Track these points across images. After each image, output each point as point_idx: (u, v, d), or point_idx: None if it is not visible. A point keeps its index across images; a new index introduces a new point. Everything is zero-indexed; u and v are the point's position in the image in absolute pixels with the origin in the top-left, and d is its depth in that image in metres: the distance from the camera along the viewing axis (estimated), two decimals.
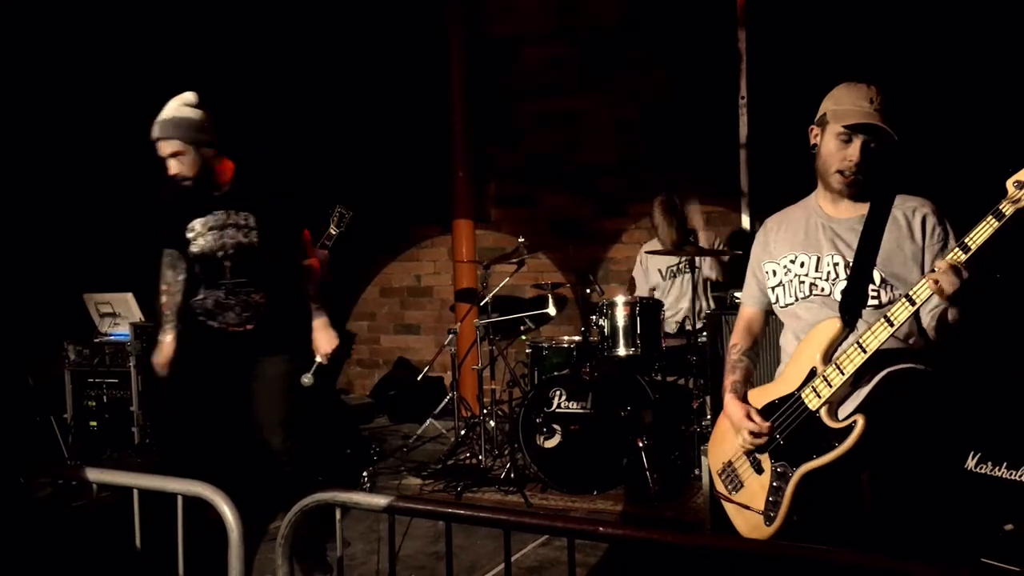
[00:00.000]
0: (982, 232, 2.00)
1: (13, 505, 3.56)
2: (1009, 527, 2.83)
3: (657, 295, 5.11)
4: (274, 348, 3.29)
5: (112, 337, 4.92)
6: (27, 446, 4.71)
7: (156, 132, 3.15)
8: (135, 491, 2.06)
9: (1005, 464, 2.90)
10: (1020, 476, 2.88)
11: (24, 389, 4.90)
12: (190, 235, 3.22)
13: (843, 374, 2.15)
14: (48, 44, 5.18)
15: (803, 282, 2.32)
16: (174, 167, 3.14)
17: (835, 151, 2.26)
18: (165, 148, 3.14)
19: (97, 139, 5.35)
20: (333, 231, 4.31)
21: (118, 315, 4.95)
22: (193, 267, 3.27)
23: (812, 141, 2.34)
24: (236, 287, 3.24)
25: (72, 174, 5.31)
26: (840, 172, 2.25)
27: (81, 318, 5.02)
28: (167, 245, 3.33)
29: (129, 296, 4.86)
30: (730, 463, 2.41)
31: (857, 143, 2.23)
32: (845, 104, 2.26)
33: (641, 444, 4.18)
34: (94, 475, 2.11)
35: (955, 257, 2.00)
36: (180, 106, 3.17)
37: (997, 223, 1.98)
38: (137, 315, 4.86)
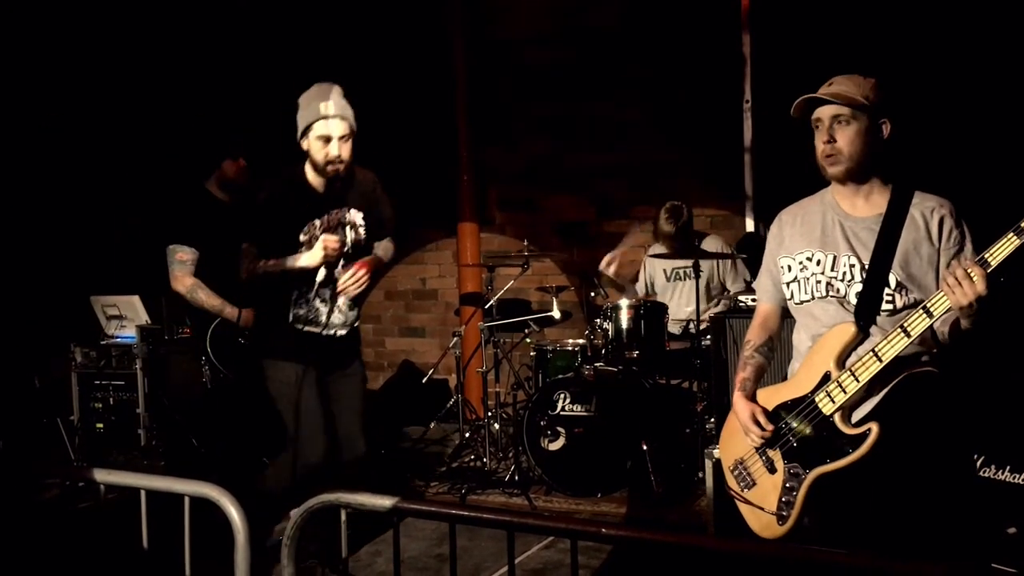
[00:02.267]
0: (1003, 249, 1.97)
1: (20, 506, 3.58)
2: (1012, 530, 2.84)
3: (661, 298, 5.11)
4: (357, 353, 3.34)
5: (118, 339, 4.93)
6: (34, 448, 4.73)
7: (333, 109, 3.03)
8: (142, 492, 2.07)
9: (1008, 468, 2.91)
10: (1023, 480, 2.88)
11: (31, 391, 4.92)
12: (304, 237, 3.11)
13: (858, 382, 2.16)
14: (53, 47, 5.21)
15: (819, 281, 2.32)
16: (338, 149, 3.04)
17: (816, 142, 2.29)
18: (338, 128, 3.03)
19: (104, 141, 5.38)
20: None
21: (124, 317, 4.96)
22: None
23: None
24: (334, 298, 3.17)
25: (79, 177, 5.34)
26: (824, 158, 2.27)
27: (88, 320, 5.04)
28: (266, 248, 3.13)
29: (135, 299, 4.87)
30: (742, 461, 2.42)
31: (823, 124, 2.25)
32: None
33: (645, 447, 4.18)
34: (102, 476, 2.13)
35: (972, 269, 1.98)
36: (339, 92, 3.09)
37: (1018, 240, 1.95)
38: (143, 317, 4.88)
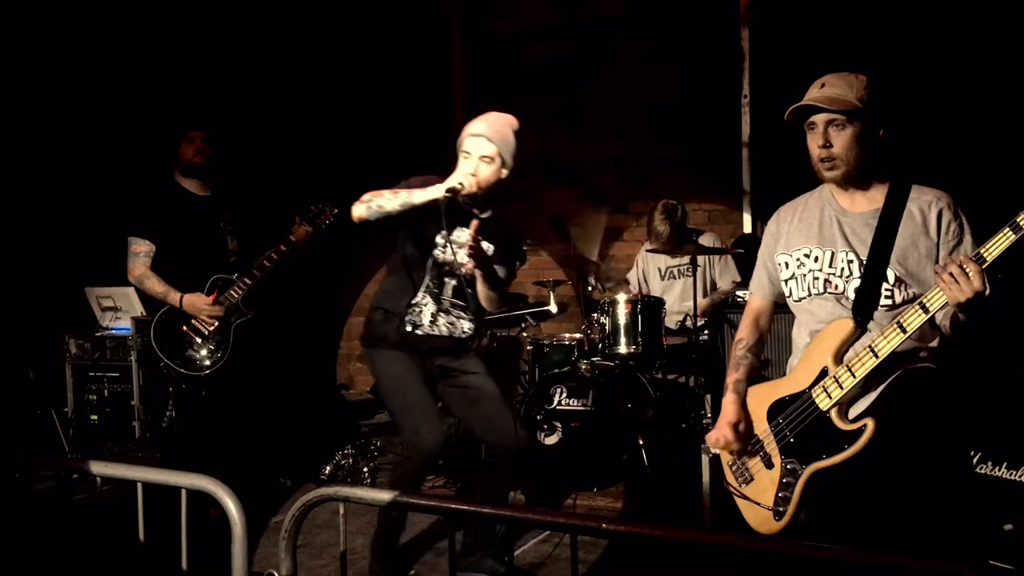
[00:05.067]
0: (998, 244, 1.98)
1: (13, 499, 3.57)
2: (1008, 527, 2.84)
3: (656, 294, 5.11)
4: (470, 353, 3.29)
5: (113, 331, 4.91)
6: (28, 439, 4.71)
7: (483, 129, 3.06)
8: (139, 484, 2.06)
9: (1005, 464, 2.91)
10: (1020, 476, 2.89)
11: (25, 382, 4.90)
12: (440, 240, 3.10)
13: (854, 377, 2.16)
14: (47, 39, 5.18)
15: (817, 278, 2.31)
16: (475, 169, 3.03)
17: (810, 145, 2.28)
18: (480, 148, 3.04)
19: (99, 131, 5.36)
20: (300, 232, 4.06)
21: (119, 309, 4.94)
22: (414, 273, 3.16)
23: None
24: (452, 307, 3.20)
25: (74, 167, 5.32)
26: (820, 162, 2.26)
27: (82, 312, 5.02)
28: (413, 238, 3.15)
29: (131, 290, 4.84)
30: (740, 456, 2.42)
31: (818, 128, 2.24)
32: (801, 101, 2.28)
33: (641, 442, 4.19)
34: (98, 468, 2.12)
35: (968, 266, 1.98)
36: (509, 127, 3.13)
37: (1014, 236, 1.96)
38: (138, 309, 4.86)
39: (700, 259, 4.92)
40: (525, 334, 5.17)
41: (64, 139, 5.29)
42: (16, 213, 5.05)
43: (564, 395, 4.40)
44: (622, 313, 4.50)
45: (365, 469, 4.59)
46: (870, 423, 2.12)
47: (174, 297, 4.00)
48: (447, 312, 3.19)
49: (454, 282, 3.18)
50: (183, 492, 2.02)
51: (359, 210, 3.05)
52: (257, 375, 4.24)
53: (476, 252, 2.95)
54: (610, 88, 6.02)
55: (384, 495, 1.86)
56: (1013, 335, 3.10)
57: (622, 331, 4.49)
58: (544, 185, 6.33)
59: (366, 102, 6.66)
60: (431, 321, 3.17)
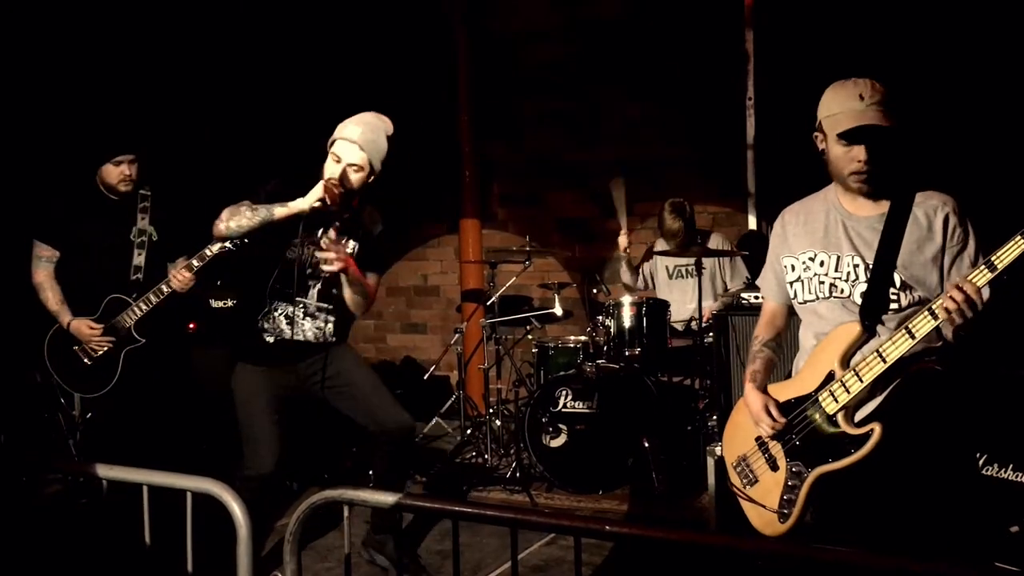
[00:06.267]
0: (1010, 251, 1.97)
1: (21, 501, 3.58)
2: (1015, 529, 2.83)
3: (661, 295, 5.11)
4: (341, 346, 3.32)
5: None
6: (34, 443, 4.72)
7: (356, 136, 3.02)
8: (144, 487, 2.07)
9: (1011, 466, 2.90)
10: None
11: (31, 386, 4.91)
12: (296, 240, 3.05)
13: (861, 381, 2.15)
14: (50, 41, 5.20)
15: (823, 282, 2.30)
16: (343, 175, 3.00)
17: (842, 155, 2.20)
18: (351, 155, 3.01)
19: (103, 132, 5.37)
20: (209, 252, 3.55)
21: None
22: (274, 279, 3.11)
23: (819, 147, 2.30)
24: (317, 311, 3.18)
25: (80, 169, 5.33)
26: (854, 174, 2.20)
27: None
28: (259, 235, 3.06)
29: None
30: (744, 457, 2.42)
31: (860, 145, 2.18)
32: (835, 109, 2.19)
33: (646, 444, 4.18)
34: (104, 471, 2.12)
35: (981, 277, 1.98)
36: (383, 132, 3.10)
37: None
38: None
39: (710, 260, 4.92)
40: (530, 336, 5.17)
41: (70, 141, 5.30)
42: (22, 215, 5.06)
43: (569, 397, 4.40)
44: (627, 315, 4.51)
45: (370, 472, 4.58)
46: (877, 428, 2.11)
47: (64, 318, 3.78)
48: (312, 316, 3.18)
49: (319, 285, 3.16)
50: (188, 495, 2.03)
51: (218, 229, 3.02)
52: (149, 406, 3.97)
53: (339, 256, 2.94)
54: (612, 89, 6.02)
55: (388, 497, 1.87)
56: (1019, 337, 3.09)
57: (627, 333, 4.49)
58: (546, 186, 6.34)
59: (367, 104, 6.66)
60: (290, 325, 3.14)
